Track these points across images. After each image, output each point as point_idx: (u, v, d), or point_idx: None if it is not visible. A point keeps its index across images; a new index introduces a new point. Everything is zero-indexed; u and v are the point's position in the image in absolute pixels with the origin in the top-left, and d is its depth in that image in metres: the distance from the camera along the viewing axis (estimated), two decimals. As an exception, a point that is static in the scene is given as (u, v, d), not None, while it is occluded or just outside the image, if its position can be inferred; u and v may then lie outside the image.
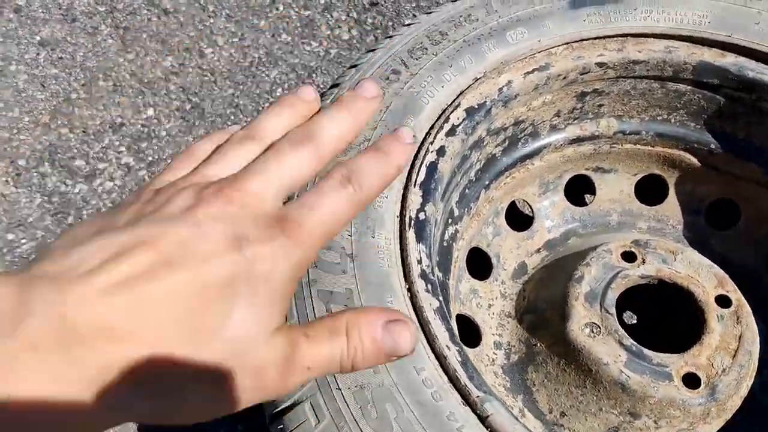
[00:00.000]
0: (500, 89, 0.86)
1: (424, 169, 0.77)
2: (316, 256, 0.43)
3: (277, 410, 0.62)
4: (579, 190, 1.09)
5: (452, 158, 0.81)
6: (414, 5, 1.48)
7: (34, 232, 1.10)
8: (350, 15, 1.47)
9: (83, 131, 1.24)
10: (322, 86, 1.34)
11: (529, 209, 1.06)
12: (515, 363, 0.90)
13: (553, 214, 1.06)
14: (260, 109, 1.30)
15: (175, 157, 0.43)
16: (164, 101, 1.30)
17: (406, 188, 0.74)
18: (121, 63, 1.37)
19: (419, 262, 0.70)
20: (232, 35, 1.43)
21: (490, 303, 0.95)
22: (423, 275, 0.69)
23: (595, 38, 0.91)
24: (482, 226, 0.98)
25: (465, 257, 0.95)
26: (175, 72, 1.35)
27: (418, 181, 0.76)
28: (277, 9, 1.48)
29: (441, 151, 0.79)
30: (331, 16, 1.47)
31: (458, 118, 0.82)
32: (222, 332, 0.33)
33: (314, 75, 1.35)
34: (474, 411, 0.58)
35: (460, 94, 0.84)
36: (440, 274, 0.80)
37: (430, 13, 0.93)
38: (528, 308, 0.94)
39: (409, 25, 0.91)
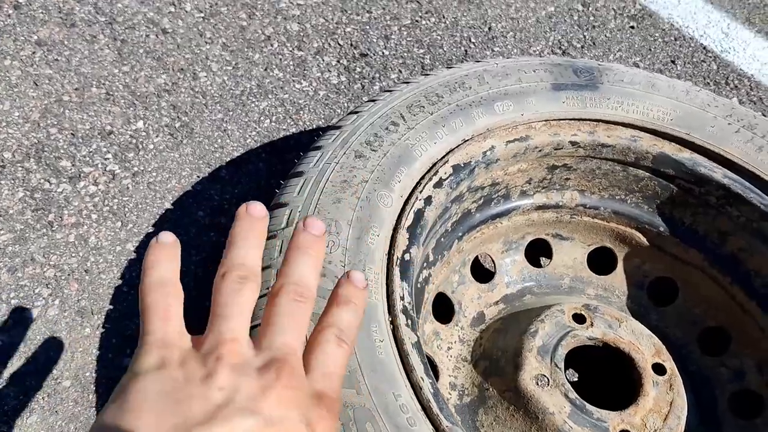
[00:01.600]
0: (484, 152, 0.95)
1: (412, 215, 0.84)
2: None
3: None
4: (538, 252, 1.19)
5: (437, 208, 0.89)
6: (401, 62, 1.57)
7: (13, 224, 1.11)
8: (340, 61, 1.55)
9: (72, 134, 1.27)
10: (308, 123, 1.41)
11: (492, 264, 1.14)
12: (467, 404, 0.97)
13: (512, 271, 1.15)
14: (247, 136, 1.36)
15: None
16: (155, 116, 1.34)
17: (395, 230, 0.81)
18: (115, 74, 1.40)
19: (402, 298, 0.76)
20: (226, 63, 1.49)
21: (449, 346, 1.02)
22: (404, 311, 0.75)
23: (571, 119, 1.01)
24: (450, 273, 1.06)
25: (432, 300, 1.02)
26: (167, 90, 1.40)
27: (406, 225, 0.83)
28: (272, 45, 1.55)
29: (428, 201, 0.87)
30: (323, 60, 1.54)
31: (446, 173, 0.90)
32: None
33: (302, 112, 1.42)
34: (442, 438, 0.65)
35: (450, 151, 0.92)
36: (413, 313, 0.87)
37: (428, 75, 1.02)
38: (483, 355, 1.01)
39: (407, 83, 1.00)
